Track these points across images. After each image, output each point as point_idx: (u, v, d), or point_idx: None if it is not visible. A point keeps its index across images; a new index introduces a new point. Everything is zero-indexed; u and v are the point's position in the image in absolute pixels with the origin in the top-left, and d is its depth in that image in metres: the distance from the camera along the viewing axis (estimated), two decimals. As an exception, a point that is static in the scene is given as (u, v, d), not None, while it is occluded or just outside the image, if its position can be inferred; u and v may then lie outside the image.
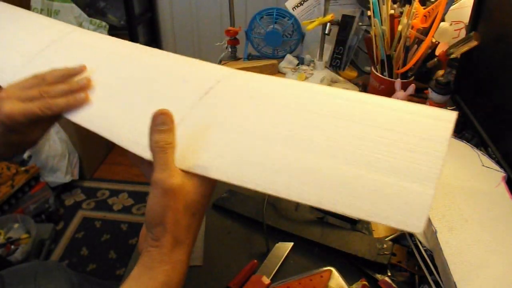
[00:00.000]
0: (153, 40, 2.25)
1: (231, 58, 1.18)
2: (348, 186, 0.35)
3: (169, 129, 0.37)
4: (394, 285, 0.51)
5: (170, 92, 0.46)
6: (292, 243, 0.58)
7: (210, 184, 0.38)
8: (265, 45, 1.15)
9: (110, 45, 0.56)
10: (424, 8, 0.80)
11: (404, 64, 0.83)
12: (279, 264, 0.55)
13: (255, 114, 0.42)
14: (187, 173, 0.37)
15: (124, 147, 0.41)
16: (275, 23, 1.11)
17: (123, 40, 0.57)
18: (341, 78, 1.02)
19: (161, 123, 0.37)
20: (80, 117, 0.46)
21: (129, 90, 0.48)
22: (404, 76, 0.85)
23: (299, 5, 1.11)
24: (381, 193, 0.34)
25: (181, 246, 0.37)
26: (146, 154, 0.38)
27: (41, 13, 1.74)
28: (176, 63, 0.51)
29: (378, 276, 0.53)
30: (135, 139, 0.41)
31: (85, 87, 0.48)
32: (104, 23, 1.89)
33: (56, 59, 0.54)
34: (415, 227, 0.32)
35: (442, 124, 0.38)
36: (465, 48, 0.74)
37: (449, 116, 0.39)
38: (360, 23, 1.05)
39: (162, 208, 0.36)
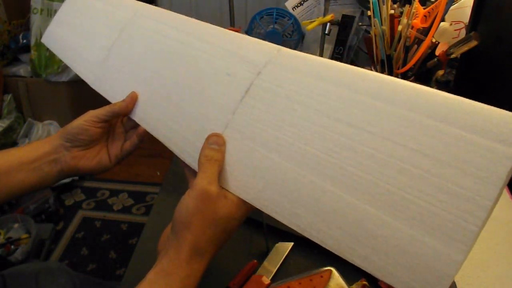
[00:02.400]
0: (153, 40, 2.25)
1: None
2: (369, 235, 0.30)
3: (219, 149, 0.40)
4: (394, 285, 0.51)
5: (215, 90, 0.45)
6: (292, 243, 0.58)
7: (245, 207, 0.39)
8: (265, 45, 1.15)
9: (167, 30, 0.55)
10: (424, 8, 0.80)
11: (404, 64, 0.83)
12: (279, 264, 0.55)
13: (288, 124, 0.38)
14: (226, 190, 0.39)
15: (177, 154, 0.44)
16: (275, 23, 1.11)
17: (178, 18, 0.55)
18: (341, 78, 1.02)
19: (213, 143, 0.41)
20: (145, 123, 0.50)
21: (181, 89, 0.48)
22: (404, 76, 0.85)
23: (299, 5, 1.11)
24: (401, 249, 0.29)
25: (200, 256, 0.37)
26: (195, 165, 0.42)
27: (41, 13, 1.74)
28: (223, 48, 0.48)
29: (378, 276, 0.53)
30: (186, 149, 0.44)
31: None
32: (104, 23, 1.89)
33: (123, 54, 0.57)
34: None
35: (502, 149, 0.27)
36: (465, 48, 0.74)
37: None
38: (360, 23, 1.05)
39: (193, 210, 0.37)
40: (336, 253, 0.32)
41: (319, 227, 0.33)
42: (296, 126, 0.38)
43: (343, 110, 0.36)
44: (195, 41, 0.51)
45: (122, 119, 0.57)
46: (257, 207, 0.37)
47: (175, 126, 0.46)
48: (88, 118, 0.52)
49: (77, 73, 0.62)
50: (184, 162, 0.44)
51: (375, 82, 0.35)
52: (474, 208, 0.27)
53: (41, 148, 0.52)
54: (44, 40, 0.71)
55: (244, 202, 0.38)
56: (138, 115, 0.51)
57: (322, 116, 0.37)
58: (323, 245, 0.32)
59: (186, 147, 0.44)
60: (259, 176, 0.38)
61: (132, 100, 0.52)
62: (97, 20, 0.65)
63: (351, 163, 0.33)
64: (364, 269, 0.30)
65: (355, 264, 0.31)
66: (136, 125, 0.55)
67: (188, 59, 0.50)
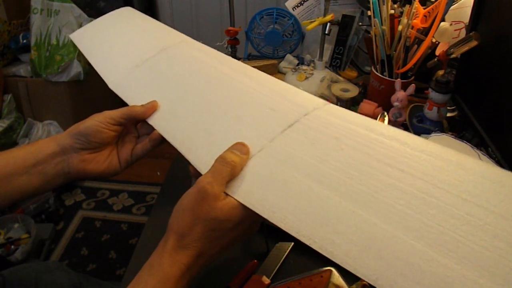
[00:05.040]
0: (153, 40, 2.25)
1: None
2: (415, 269, 0.29)
3: (239, 155, 0.40)
4: (394, 285, 0.51)
5: (255, 119, 0.45)
6: (292, 243, 0.58)
7: (246, 215, 0.38)
8: (265, 45, 1.15)
9: (210, 60, 0.57)
10: (424, 8, 0.80)
11: (404, 64, 0.83)
12: (279, 264, 0.55)
13: (334, 159, 0.38)
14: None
15: (196, 167, 0.43)
16: (275, 23, 1.11)
17: (224, 56, 0.58)
18: (341, 78, 1.02)
19: (237, 149, 0.40)
20: (165, 130, 0.49)
21: (216, 110, 0.48)
22: (404, 76, 0.85)
23: (299, 5, 1.11)
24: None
25: (185, 249, 0.37)
26: None
27: (41, 13, 1.74)
28: (269, 88, 0.50)
29: (378, 276, 0.53)
30: (206, 161, 0.42)
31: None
32: (104, 23, 1.89)
33: (158, 69, 0.57)
34: None
35: None
36: (465, 48, 0.74)
37: None
38: (360, 23, 1.05)
39: (186, 205, 0.37)
40: (374, 284, 0.30)
41: (357, 255, 0.31)
42: (342, 162, 0.37)
43: (395, 158, 0.36)
44: (240, 76, 0.52)
45: (136, 124, 0.54)
46: (279, 226, 0.36)
47: (200, 140, 0.45)
48: (103, 119, 0.49)
49: (98, 72, 0.61)
50: (199, 173, 0.43)
51: (431, 144, 0.37)
52: None
53: (47, 149, 0.48)
54: (73, 36, 0.71)
55: (244, 207, 0.38)
56: (157, 122, 0.50)
57: (372, 159, 0.37)
58: (361, 276, 0.30)
59: (207, 158, 0.42)
60: (290, 199, 0.36)
61: (152, 108, 0.51)
62: (139, 35, 0.66)
63: (401, 202, 0.33)
64: None
65: None
66: (149, 131, 0.53)
67: (230, 88, 0.50)
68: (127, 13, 0.73)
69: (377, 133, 0.40)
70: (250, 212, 0.37)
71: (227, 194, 0.38)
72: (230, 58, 0.58)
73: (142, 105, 0.51)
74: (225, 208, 0.37)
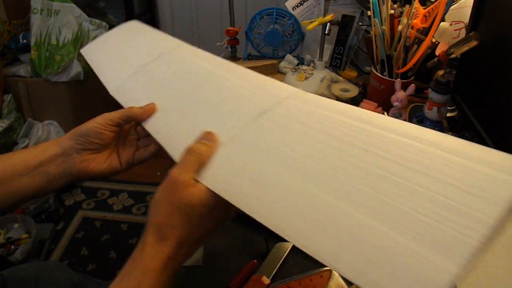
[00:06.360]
0: (153, 40, 2.25)
1: (231, 58, 1.18)
2: (363, 244, 0.29)
3: (206, 143, 0.41)
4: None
5: (230, 110, 0.47)
6: (292, 243, 0.58)
7: (218, 200, 0.38)
8: (265, 45, 1.15)
9: (200, 62, 0.59)
10: (424, 8, 0.80)
11: (404, 64, 0.83)
12: (279, 264, 0.55)
13: (299, 143, 0.39)
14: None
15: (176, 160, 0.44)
16: (275, 23, 1.11)
17: (214, 57, 0.60)
18: (341, 78, 1.02)
19: (204, 138, 0.42)
20: (155, 132, 0.50)
21: (201, 108, 0.50)
22: (404, 76, 0.85)
23: (299, 5, 1.11)
24: (395, 260, 0.28)
25: (165, 240, 0.38)
26: None
27: (41, 13, 1.74)
28: (253, 83, 0.51)
29: (378, 276, 0.53)
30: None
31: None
32: (104, 23, 1.89)
33: (153, 73, 0.59)
34: None
35: (505, 178, 0.30)
36: (465, 48, 0.75)
37: None
38: (360, 23, 1.05)
39: (159, 197, 0.39)
40: (320, 260, 0.30)
41: (313, 236, 0.32)
42: (308, 145, 0.39)
43: (356, 137, 0.38)
44: (227, 74, 0.54)
45: (136, 126, 0.56)
46: (240, 208, 0.36)
47: (183, 139, 0.46)
48: (102, 121, 0.50)
49: (102, 82, 0.63)
50: None
51: (391, 121, 0.39)
52: (474, 224, 0.27)
53: (49, 150, 0.49)
54: (83, 51, 0.73)
55: (217, 195, 0.38)
56: (152, 125, 0.51)
57: (335, 140, 0.38)
58: (315, 256, 0.31)
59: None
60: (252, 182, 0.37)
61: (150, 109, 0.52)
62: (141, 45, 0.68)
63: (363, 182, 0.34)
64: (352, 280, 0.28)
65: (345, 276, 0.29)
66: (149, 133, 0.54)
67: (215, 85, 0.53)
68: (134, 26, 0.77)
69: (344, 116, 0.41)
70: (220, 197, 0.38)
71: (197, 181, 0.39)
72: (219, 58, 0.59)
73: (140, 107, 0.52)
74: (196, 193, 0.38)
